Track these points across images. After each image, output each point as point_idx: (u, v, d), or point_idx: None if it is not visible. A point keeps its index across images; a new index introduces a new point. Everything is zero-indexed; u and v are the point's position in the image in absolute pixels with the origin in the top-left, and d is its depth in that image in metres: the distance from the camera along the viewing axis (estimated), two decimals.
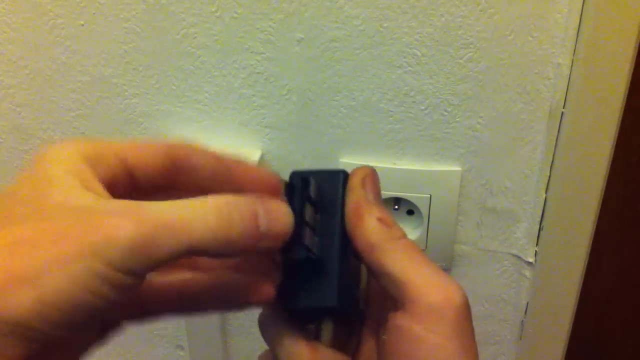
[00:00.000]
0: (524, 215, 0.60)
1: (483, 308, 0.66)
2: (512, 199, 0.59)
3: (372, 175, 0.30)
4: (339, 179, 0.29)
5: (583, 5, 0.50)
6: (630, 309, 0.68)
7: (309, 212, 0.28)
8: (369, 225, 0.29)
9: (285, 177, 0.30)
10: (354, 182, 0.30)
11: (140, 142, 0.28)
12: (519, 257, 0.62)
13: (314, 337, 0.31)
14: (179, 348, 0.75)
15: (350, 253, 0.30)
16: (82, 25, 0.57)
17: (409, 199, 0.59)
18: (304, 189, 0.28)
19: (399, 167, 0.59)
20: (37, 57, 0.59)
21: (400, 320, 0.28)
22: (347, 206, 0.29)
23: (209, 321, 0.70)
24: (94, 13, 0.56)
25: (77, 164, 0.25)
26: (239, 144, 0.61)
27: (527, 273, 0.63)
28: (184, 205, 0.24)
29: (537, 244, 0.61)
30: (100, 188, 0.25)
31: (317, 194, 0.29)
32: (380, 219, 0.29)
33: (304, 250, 0.28)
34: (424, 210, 0.59)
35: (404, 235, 0.30)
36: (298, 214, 0.28)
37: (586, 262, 0.60)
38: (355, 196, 0.29)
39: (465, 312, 0.28)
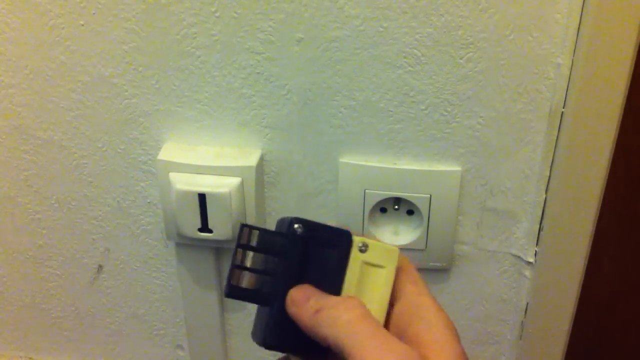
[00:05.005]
0: (524, 215, 0.60)
1: (483, 308, 0.66)
2: (512, 199, 0.59)
3: (294, 296, 0.33)
4: (293, 240, 0.34)
5: (583, 5, 0.50)
6: (630, 309, 0.68)
7: (246, 257, 0.33)
8: (306, 322, 0.32)
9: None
10: (287, 304, 0.33)
11: None
12: (519, 257, 0.62)
13: None
14: (179, 348, 0.75)
15: None
16: (82, 25, 0.57)
17: (409, 199, 0.59)
18: (242, 237, 0.34)
19: (399, 167, 0.59)
20: (37, 57, 0.59)
21: None
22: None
23: (209, 321, 0.70)
24: (94, 13, 0.56)
25: None
26: (239, 144, 0.61)
27: (527, 273, 0.63)
28: None
29: (537, 244, 0.61)
30: None
31: (261, 243, 0.34)
32: (317, 310, 0.31)
33: (225, 287, 0.33)
34: (424, 210, 0.59)
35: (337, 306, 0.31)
36: (233, 257, 0.34)
37: (586, 262, 0.60)
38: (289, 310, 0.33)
39: None
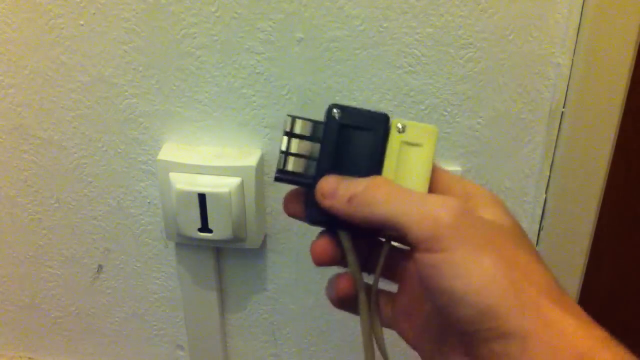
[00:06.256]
0: (524, 215, 0.60)
1: None
2: (512, 199, 0.59)
3: (323, 189, 0.34)
4: (331, 125, 0.36)
5: (583, 5, 0.50)
6: (630, 309, 0.68)
7: (290, 143, 0.36)
8: (344, 212, 0.33)
9: None
10: (318, 199, 0.34)
11: None
12: None
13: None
14: (179, 348, 0.75)
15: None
16: (82, 25, 0.57)
17: None
18: (286, 126, 0.36)
19: None
20: (37, 57, 0.59)
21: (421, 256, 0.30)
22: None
23: (209, 321, 0.70)
24: (94, 13, 0.56)
25: None
26: (239, 144, 0.61)
27: None
28: None
29: (537, 244, 0.61)
30: None
31: (303, 130, 0.37)
32: (350, 198, 0.32)
33: (276, 173, 0.36)
34: None
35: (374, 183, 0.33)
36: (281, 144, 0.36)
37: (586, 262, 0.60)
38: (323, 204, 0.34)
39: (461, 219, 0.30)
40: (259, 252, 0.66)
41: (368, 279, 0.36)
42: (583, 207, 0.57)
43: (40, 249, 0.71)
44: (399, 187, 0.32)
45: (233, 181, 0.58)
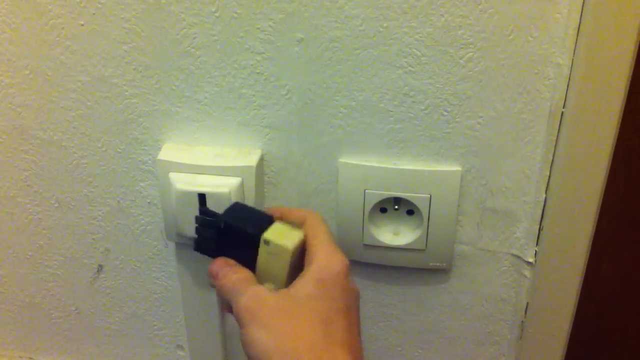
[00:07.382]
0: (524, 215, 0.60)
1: (483, 308, 0.66)
2: (512, 199, 0.59)
3: (210, 268, 0.49)
4: (218, 229, 0.50)
5: (583, 5, 0.50)
6: (630, 309, 0.68)
7: (198, 229, 0.52)
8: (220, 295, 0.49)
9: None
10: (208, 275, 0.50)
11: None
12: (519, 257, 0.62)
13: None
14: (179, 348, 0.75)
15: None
16: (82, 25, 0.57)
17: (409, 199, 0.59)
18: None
19: (399, 167, 0.59)
20: (37, 57, 0.59)
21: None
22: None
23: (209, 321, 0.70)
24: (94, 13, 0.56)
25: None
26: (239, 144, 0.61)
27: (527, 273, 0.63)
28: None
29: (537, 244, 0.61)
30: None
31: (202, 224, 0.51)
32: (222, 288, 0.48)
33: (194, 247, 0.52)
34: (424, 210, 0.59)
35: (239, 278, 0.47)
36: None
37: (586, 262, 0.60)
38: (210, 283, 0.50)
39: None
40: None
41: None
42: (583, 207, 0.57)
43: (40, 249, 0.71)
44: (239, 283, 0.46)
45: (233, 181, 0.58)
